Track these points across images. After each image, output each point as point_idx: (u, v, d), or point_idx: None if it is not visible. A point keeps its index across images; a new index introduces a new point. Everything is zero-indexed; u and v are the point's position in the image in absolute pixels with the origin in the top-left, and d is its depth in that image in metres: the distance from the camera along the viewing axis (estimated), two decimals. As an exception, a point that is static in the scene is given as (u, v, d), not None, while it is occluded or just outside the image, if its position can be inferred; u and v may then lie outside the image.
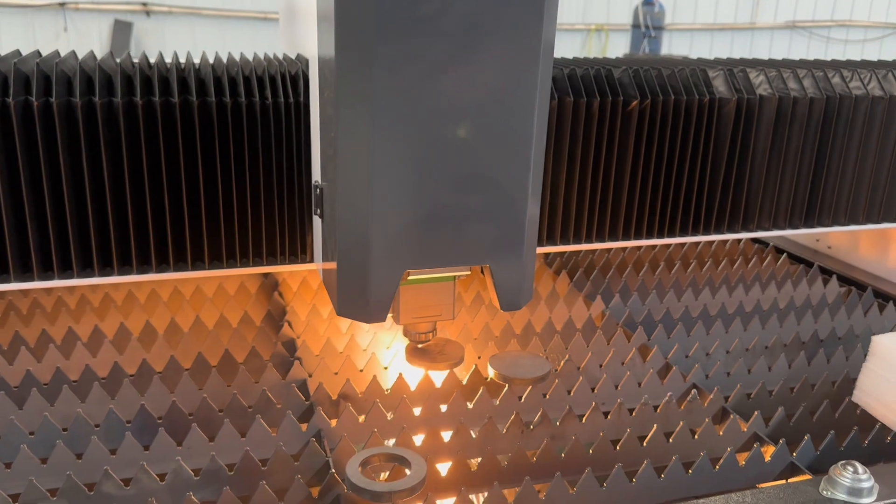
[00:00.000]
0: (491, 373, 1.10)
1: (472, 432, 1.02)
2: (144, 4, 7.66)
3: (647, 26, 7.77)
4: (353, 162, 0.86)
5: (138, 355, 1.17)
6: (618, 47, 8.65)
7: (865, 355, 1.11)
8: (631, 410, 1.08)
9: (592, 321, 1.34)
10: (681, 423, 1.03)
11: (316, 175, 1.06)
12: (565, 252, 1.65)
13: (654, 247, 1.71)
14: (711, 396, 1.11)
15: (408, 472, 0.87)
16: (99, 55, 1.14)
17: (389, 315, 0.94)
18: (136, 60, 1.13)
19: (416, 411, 1.06)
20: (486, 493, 0.90)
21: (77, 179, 1.05)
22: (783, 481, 1.00)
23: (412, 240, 0.88)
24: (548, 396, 1.11)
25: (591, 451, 0.99)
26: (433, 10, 0.81)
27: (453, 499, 0.92)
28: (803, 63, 1.41)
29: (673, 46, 8.55)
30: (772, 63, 1.38)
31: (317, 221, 1.11)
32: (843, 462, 0.88)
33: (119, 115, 1.04)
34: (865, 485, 0.85)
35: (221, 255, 1.14)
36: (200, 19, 7.82)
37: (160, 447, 0.96)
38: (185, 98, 1.06)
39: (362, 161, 0.84)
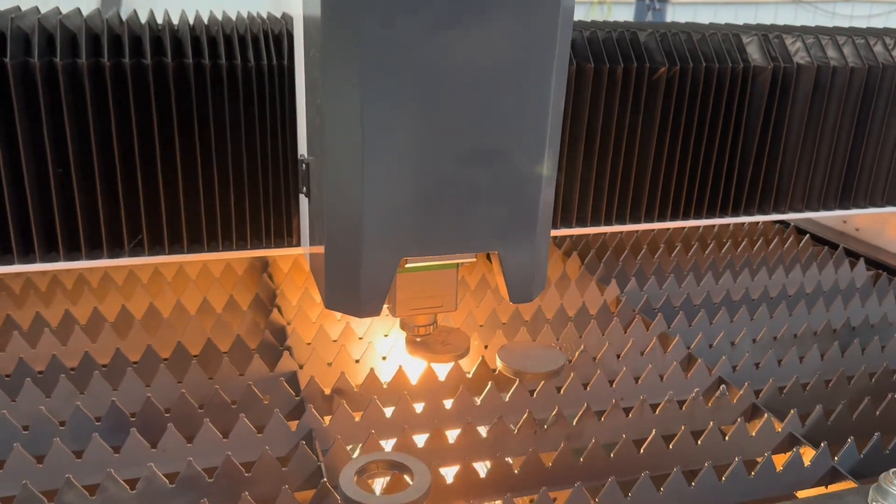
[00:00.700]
0: (500, 366, 1.00)
1: (480, 431, 0.92)
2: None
3: (651, -1, 7.61)
4: (341, 132, 0.74)
5: (112, 343, 1.07)
6: (620, 20, 8.46)
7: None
8: (654, 407, 0.98)
9: (607, 307, 1.24)
10: (710, 423, 0.93)
11: (302, 148, 0.95)
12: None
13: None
14: (741, 392, 1.01)
15: (409, 481, 0.77)
16: (86, 11, 1.02)
17: (385, 306, 0.84)
18: (107, 17, 1.02)
19: (418, 408, 0.96)
20: (497, 505, 0.80)
21: (38, 154, 0.94)
22: (823, 488, 0.91)
23: (410, 223, 0.77)
24: (562, 392, 1.01)
25: (612, 455, 0.89)
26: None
27: (460, 510, 0.82)
28: (842, 30, 1.30)
29: (676, 20, 8.37)
30: (809, 29, 1.27)
31: (303, 201, 1.00)
32: (894, 470, 0.78)
33: (84, 78, 0.92)
34: (924, 498, 0.76)
35: (202, 237, 1.03)
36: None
37: (132, 449, 0.86)
38: (158, 60, 0.95)
39: (352, 131, 0.73)
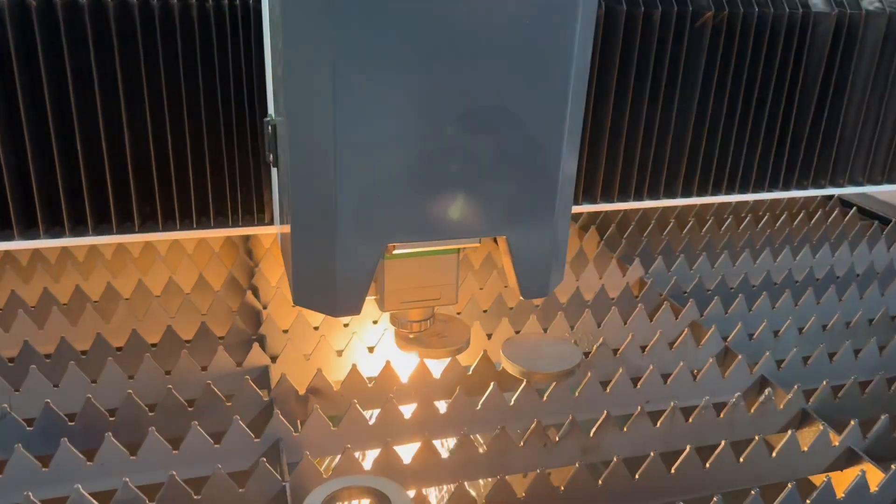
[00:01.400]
0: (504, 363, 0.85)
1: (478, 444, 0.77)
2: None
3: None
4: (305, 83, 0.59)
5: (58, 331, 0.93)
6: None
7: None
8: (686, 412, 0.83)
9: (630, 290, 1.08)
10: (755, 437, 0.78)
11: (272, 108, 0.79)
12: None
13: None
14: (790, 396, 0.86)
15: (387, 512, 0.63)
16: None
17: (372, 298, 0.69)
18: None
19: (407, 412, 0.81)
20: (496, 541, 0.65)
21: None
22: (892, 516, 0.76)
23: (397, 202, 0.62)
24: (577, 394, 0.85)
25: (637, 477, 0.74)
26: None
27: (451, 545, 0.68)
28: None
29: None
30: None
31: (275, 172, 0.85)
32: None
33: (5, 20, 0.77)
34: None
35: (156, 214, 0.88)
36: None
37: (62, 463, 0.72)
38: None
39: (319, 82, 0.57)
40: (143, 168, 0.88)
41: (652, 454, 0.74)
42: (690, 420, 0.82)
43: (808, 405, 0.87)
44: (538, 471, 0.71)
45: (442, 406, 0.82)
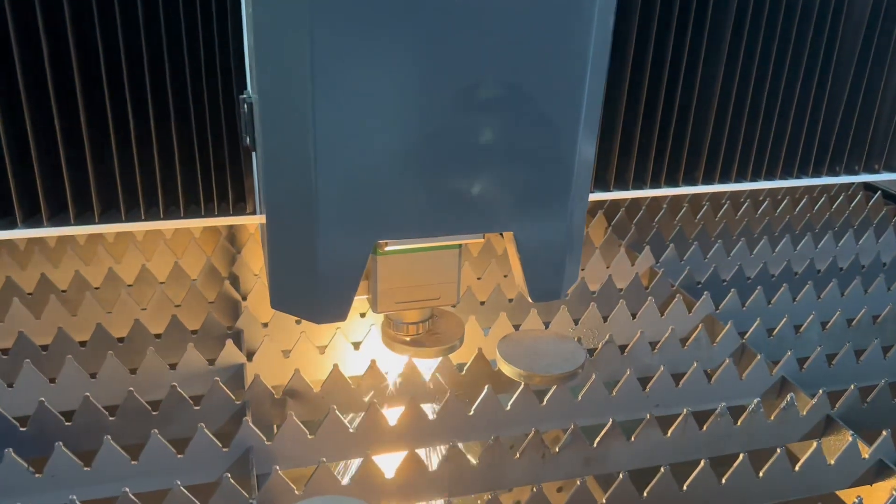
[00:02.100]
0: (500, 364, 0.77)
1: (469, 455, 0.70)
2: None
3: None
4: (279, 51, 0.50)
5: (17, 324, 0.85)
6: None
7: None
8: (700, 421, 0.75)
9: (639, 281, 1.00)
10: (776, 449, 0.70)
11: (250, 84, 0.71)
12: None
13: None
14: (814, 402, 0.78)
15: (363, 539, 0.55)
16: None
17: (364, 298, 0.61)
18: None
19: (393, 417, 0.74)
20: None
21: None
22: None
23: (387, 193, 0.53)
24: (580, 398, 0.78)
25: (645, 494, 0.66)
26: None
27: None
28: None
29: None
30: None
31: (254, 156, 0.77)
32: None
33: None
34: None
35: (116, 200, 0.80)
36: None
37: (10, 473, 0.65)
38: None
39: (295, 50, 0.49)
40: (98, 144, 0.80)
41: (662, 470, 0.66)
42: (705, 428, 0.75)
43: (833, 411, 0.79)
44: (534, 489, 0.64)
45: (431, 410, 0.75)
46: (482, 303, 0.95)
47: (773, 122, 0.90)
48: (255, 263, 1.01)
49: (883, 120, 0.93)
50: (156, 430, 0.67)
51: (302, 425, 0.70)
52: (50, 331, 0.83)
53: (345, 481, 0.66)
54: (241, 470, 0.69)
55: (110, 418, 0.72)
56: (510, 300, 0.96)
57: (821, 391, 0.78)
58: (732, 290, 0.97)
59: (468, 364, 0.82)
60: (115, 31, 0.76)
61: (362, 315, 0.92)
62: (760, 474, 0.70)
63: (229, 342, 0.81)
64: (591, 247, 1.08)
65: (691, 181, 0.90)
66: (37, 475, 0.65)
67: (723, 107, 0.88)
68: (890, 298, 1.02)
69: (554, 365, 0.76)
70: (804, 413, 0.78)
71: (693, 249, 1.08)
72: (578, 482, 0.64)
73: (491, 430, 0.74)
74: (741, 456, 0.69)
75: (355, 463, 0.72)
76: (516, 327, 0.90)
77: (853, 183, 1.40)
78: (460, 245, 0.62)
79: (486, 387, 0.75)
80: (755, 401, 0.76)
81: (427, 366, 0.81)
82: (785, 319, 0.92)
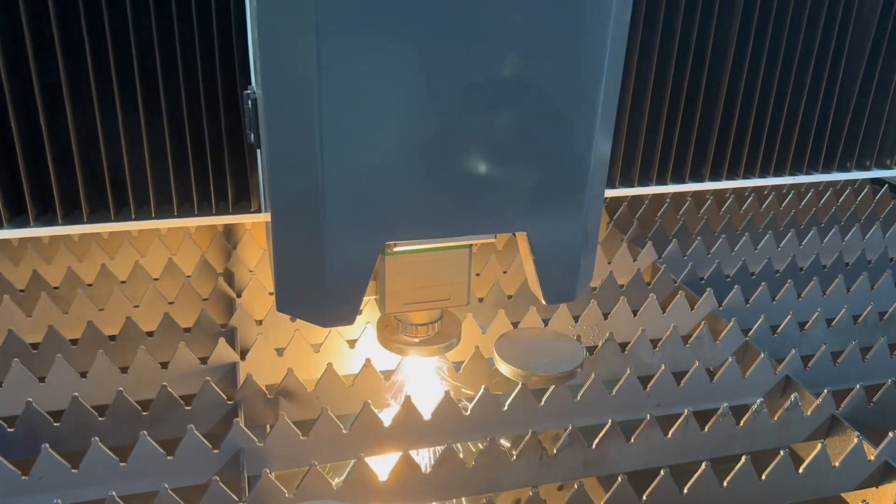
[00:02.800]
0: (497, 363, 0.76)
1: (466, 456, 0.68)
2: None
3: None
4: (285, 46, 0.48)
5: (8, 322, 0.84)
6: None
7: None
8: (702, 421, 0.74)
9: (641, 277, 0.98)
10: (780, 451, 0.68)
11: (254, 80, 0.69)
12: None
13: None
14: (818, 402, 0.76)
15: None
16: None
17: (371, 299, 0.60)
18: None
19: (387, 418, 0.72)
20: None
21: None
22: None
23: (396, 193, 0.51)
24: (579, 398, 0.76)
25: (645, 498, 0.65)
26: None
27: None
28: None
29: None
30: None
31: (259, 154, 0.76)
32: None
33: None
34: None
35: (126, 198, 0.78)
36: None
37: (-5, 477, 0.64)
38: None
39: (301, 45, 0.47)
40: (100, 144, 0.78)
41: (662, 472, 0.65)
42: (706, 429, 0.73)
43: (838, 411, 0.77)
44: (531, 491, 0.62)
45: (426, 411, 0.73)
46: (480, 300, 0.93)
47: (781, 118, 0.88)
48: (250, 260, 1.00)
49: (895, 114, 0.91)
50: (145, 432, 0.65)
51: (294, 426, 0.69)
52: (41, 328, 0.82)
53: (338, 482, 0.64)
54: (232, 472, 0.68)
55: (99, 419, 0.71)
56: (509, 297, 0.94)
57: (826, 391, 0.77)
58: (736, 286, 0.95)
59: (465, 362, 0.80)
60: (103, 29, 0.74)
61: (359, 311, 0.91)
62: (763, 476, 0.68)
63: (222, 340, 0.80)
64: (592, 242, 1.06)
65: (698, 178, 0.88)
66: (23, 477, 0.64)
67: (730, 103, 0.86)
68: (897, 294, 1.00)
69: (552, 364, 0.74)
70: (808, 413, 0.76)
71: (696, 244, 1.06)
72: (576, 485, 0.63)
73: (488, 431, 0.73)
74: (743, 458, 0.67)
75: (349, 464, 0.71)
76: (515, 325, 0.88)
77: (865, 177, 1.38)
78: (471, 245, 0.60)
79: (483, 386, 0.74)
80: (758, 401, 0.74)
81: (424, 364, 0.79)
82: (790, 317, 0.90)
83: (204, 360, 0.80)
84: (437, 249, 0.59)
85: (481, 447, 0.69)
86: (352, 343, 0.85)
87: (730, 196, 1.22)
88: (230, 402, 0.74)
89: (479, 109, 0.50)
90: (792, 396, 0.75)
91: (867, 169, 0.93)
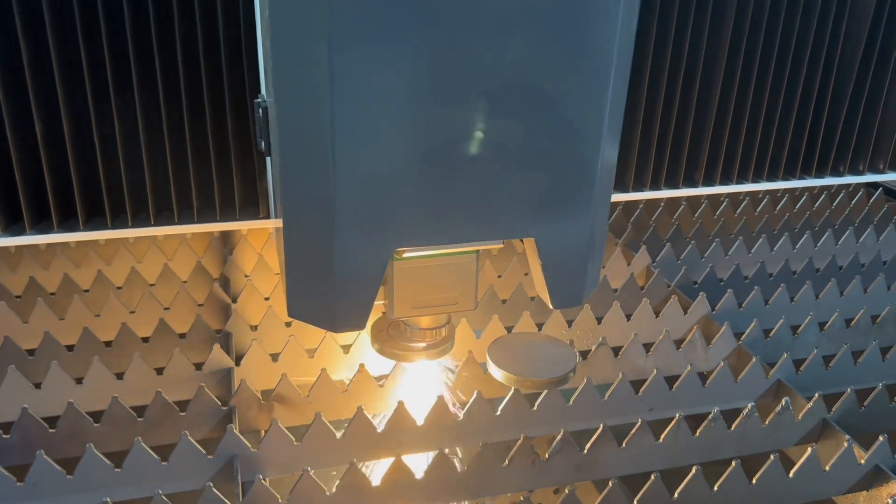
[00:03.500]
0: (490, 368, 0.76)
1: (456, 461, 0.69)
2: None
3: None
4: (298, 56, 0.48)
5: (4, 328, 0.85)
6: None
7: None
8: (693, 425, 0.74)
9: (634, 281, 0.99)
10: (770, 455, 0.69)
11: (263, 88, 0.70)
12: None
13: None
14: (809, 406, 0.77)
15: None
16: None
17: (379, 303, 0.60)
18: None
19: (380, 424, 0.73)
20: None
21: None
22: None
23: (406, 200, 0.51)
24: (571, 403, 0.77)
25: (635, 502, 0.65)
26: None
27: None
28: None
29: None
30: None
31: (269, 162, 0.77)
32: None
33: None
34: None
35: (123, 207, 0.79)
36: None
37: (-10, 484, 0.64)
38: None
39: (314, 55, 0.47)
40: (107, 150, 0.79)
41: (653, 476, 0.65)
42: (698, 433, 0.73)
43: (829, 415, 0.78)
44: (523, 496, 0.63)
45: (419, 416, 0.74)
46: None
47: (774, 123, 0.88)
48: (246, 265, 1.00)
49: (888, 118, 0.92)
50: (139, 438, 0.66)
51: (287, 432, 0.69)
52: (38, 335, 0.82)
53: (333, 487, 0.64)
54: (226, 477, 0.68)
55: (94, 425, 0.72)
56: (503, 301, 0.95)
57: (817, 394, 0.77)
58: (729, 290, 0.95)
59: (459, 367, 0.80)
60: (100, 34, 0.75)
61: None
62: (754, 480, 0.68)
63: (216, 346, 0.80)
64: (586, 246, 1.06)
65: (691, 183, 0.89)
66: (18, 483, 0.64)
67: (723, 107, 0.86)
68: (890, 298, 1.01)
69: (545, 369, 0.74)
70: (799, 417, 0.77)
71: (690, 248, 1.06)
72: (567, 490, 0.63)
73: (481, 436, 0.73)
74: (734, 462, 0.68)
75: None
76: (509, 330, 0.89)
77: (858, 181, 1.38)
78: (478, 251, 0.61)
79: (476, 391, 0.74)
80: (749, 405, 0.74)
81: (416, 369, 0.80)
82: (782, 320, 0.90)
83: (199, 366, 0.80)
84: (445, 255, 0.60)
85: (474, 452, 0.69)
86: (346, 348, 0.85)
87: (724, 200, 1.23)
88: (224, 408, 0.75)
89: (489, 117, 0.51)
90: (783, 400, 0.76)
91: (860, 173, 0.93)
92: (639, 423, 0.72)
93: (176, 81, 0.78)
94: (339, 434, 0.70)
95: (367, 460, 0.71)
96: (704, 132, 0.88)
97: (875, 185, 1.36)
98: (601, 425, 0.71)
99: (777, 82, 0.86)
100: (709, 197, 1.25)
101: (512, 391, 0.75)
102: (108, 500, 0.60)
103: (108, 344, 0.83)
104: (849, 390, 0.78)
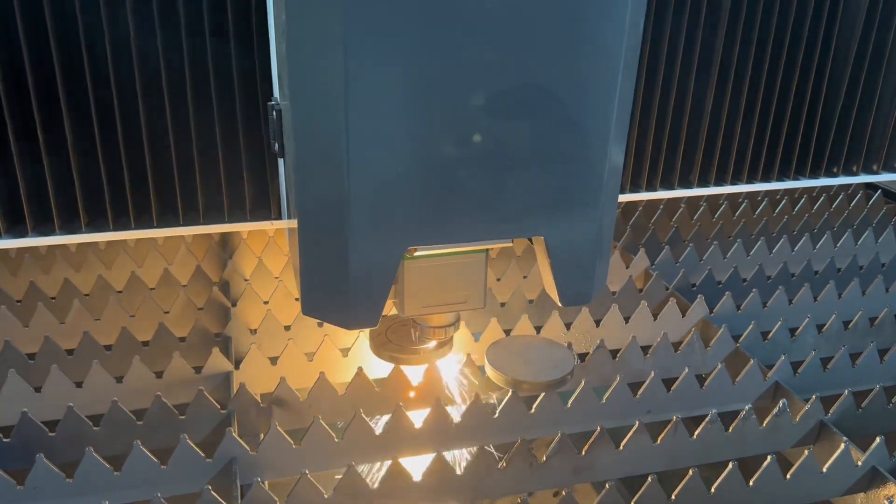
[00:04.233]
0: (488, 370, 0.77)
1: (455, 465, 0.69)
2: None
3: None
4: (314, 61, 0.49)
5: (4, 332, 0.85)
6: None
7: None
8: (690, 427, 0.74)
9: (633, 284, 0.99)
10: (768, 456, 0.69)
11: (276, 91, 0.71)
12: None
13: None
14: (807, 408, 0.77)
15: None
16: None
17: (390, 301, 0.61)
18: None
19: (378, 426, 0.73)
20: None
21: None
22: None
23: (419, 199, 0.52)
24: (569, 405, 0.77)
25: (633, 504, 0.65)
26: None
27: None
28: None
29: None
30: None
31: (281, 163, 0.78)
32: None
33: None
34: None
35: (126, 208, 0.80)
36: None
37: (-10, 487, 0.64)
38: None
39: (329, 59, 0.48)
40: (109, 147, 0.80)
41: (650, 479, 0.65)
42: (695, 435, 0.74)
43: (826, 417, 0.78)
44: (521, 499, 0.63)
45: (418, 418, 0.74)
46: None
47: (768, 124, 0.89)
48: (246, 269, 1.01)
49: (881, 119, 0.92)
50: (139, 441, 0.66)
51: (286, 435, 0.69)
52: (38, 339, 0.83)
53: (330, 490, 0.65)
54: (225, 480, 0.68)
55: (94, 428, 0.72)
56: (502, 304, 0.95)
57: (814, 396, 0.77)
58: (727, 292, 0.96)
59: (456, 371, 0.81)
60: (102, 36, 0.75)
61: (352, 321, 0.91)
62: (751, 482, 0.69)
63: (216, 350, 0.81)
64: (584, 249, 1.06)
65: (687, 184, 0.89)
66: (18, 487, 0.65)
67: (717, 109, 0.87)
68: (888, 300, 1.01)
69: (542, 371, 0.75)
70: (797, 419, 0.77)
71: (689, 251, 1.06)
72: (564, 492, 0.64)
73: (478, 439, 0.73)
74: (730, 464, 0.68)
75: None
76: (507, 332, 0.89)
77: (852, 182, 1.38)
78: (487, 249, 0.62)
79: (474, 393, 0.74)
80: (746, 407, 0.75)
81: (415, 373, 0.80)
82: (780, 323, 0.91)
83: (198, 370, 0.81)
84: (455, 254, 0.60)
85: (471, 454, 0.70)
86: (345, 352, 0.85)
87: (723, 202, 1.23)
88: (223, 412, 0.75)
89: (501, 119, 0.51)
90: (780, 402, 0.76)
91: (854, 174, 0.94)
92: (636, 426, 0.72)
93: (182, 85, 0.79)
94: (337, 437, 0.71)
95: (365, 463, 0.71)
96: (699, 134, 0.89)
97: (874, 187, 1.36)
98: (599, 427, 0.71)
99: (771, 84, 0.87)
100: (707, 200, 1.26)
101: (510, 393, 0.75)
102: (108, 503, 0.61)
103: (108, 348, 0.83)
104: (846, 392, 0.79)
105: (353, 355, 0.85)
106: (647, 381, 0.79)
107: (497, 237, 0.56)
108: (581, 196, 0.55)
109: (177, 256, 1.02)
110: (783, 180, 0.92)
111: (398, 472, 0.67)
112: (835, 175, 0.93)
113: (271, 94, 0.81)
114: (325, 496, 0.64)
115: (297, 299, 0.94)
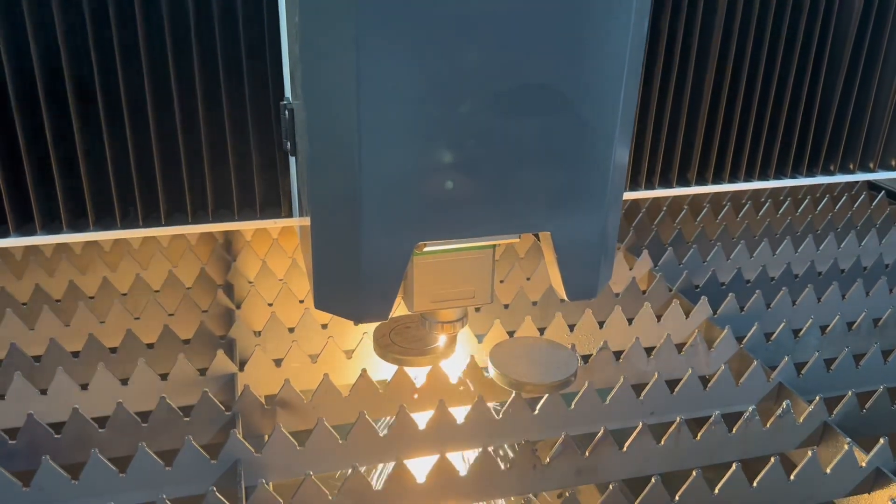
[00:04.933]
0: (491, 372, 0.77)
1: (458, 467, 0.69)
2: None
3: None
4: (326, 60, 0.49)
5: (10, 335, 0.85)
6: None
7: None
8: (694, 428, 0.74)
9: (636, 286, 0.99)
10: (771, 458, 0.69)
11: (288, 91, 0.71)
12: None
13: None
14: (811, 409, 0.77)
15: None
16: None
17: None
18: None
19: (382, 428, 0.73)
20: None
21: None
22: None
23: (429, 195, 0.53)
24: (573, 407, 0.77)
25: (636, 505, 0.65)
26: None
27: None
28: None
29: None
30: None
31: (293, 161, 0.79)
32: None
33: None
34: None
35: (133, 206, 0.80)
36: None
37: (-4, 489, 0.65)
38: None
39: (340, 56, 0.48)
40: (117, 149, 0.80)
41: (653, 480, 0.65)
42: (699, 437, 0.74)
43: (830, 418, 0.78)
44: (525, 500, 0.63)
45: (421, 420, 0.74)
46: (476, 309, 0.94)
47: (765, 122, 0.89)
48: (249, 271, 1.01)
49: (877, 117, 0.92)
50: (144, 443, 0.66)
51: (290, 437, 0.70)
52: (43, 341, 0.83)
53: (333, 491, 0.65)
54: (229, 482, 0.69)
55: (99, 430, 0.72)
56: (505, 306, 0.95)
57: (818, 398, 0.77)
58: (731, 294, 0.96)
59: (459, 373, 0.81)
60: (111, 38, 0.76)
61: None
62: (755, 483, 0.69)
63: (220, 352, 0.81)
64: (588, 251, 1.06)
65: (684, 183, 0.89)
66: (24, 488, 0.65)
67: (714, 107, 0.87)
68: (891, 301, 1.01)
69: (546, 373, 0.75)
70: (800, 420, 0.77)
71: (692, 252, 1.06)
72: (567, 493, 0.64)
73: (482, 440, 0.73)
74: (734, 465, 0.68)
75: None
76: (511, 334, 0.89)
77: (856, 182, 1.38)
78: (495, 245, 0.62)
79: (477, 396, 0.74)
80: (750, 408, 0.75)
81: (419, 374, 0.80)
82: (783, 324, 0.91)
83: (203, 372, 0.81)
84: (463, 249, 0.61)
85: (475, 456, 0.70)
86: (348, 353, 0.86)
87: (726, 204, 1.23)
88: (228, 413, 0.75)
89: (509, 116, 0.52)
90: (784, 404, 0.76)
91: (851, 172, 0.94)
92: (640, 427, 0.72)
93: (191, 82, 0.79)
94: (341, 439, 0.71)
95: (369, 465, 0.71)
96: (696, 132, 0.89)
97: (877, 188, 1.36)
98: (602, 429, 0.71)
99: (767, 82, 0.87)
100: (711, 201, 1.26)
101: (513, 395, 0.75)
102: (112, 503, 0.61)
103: (113, 350, 0.84)
104: (850, 393, 0.79)
105: (357, 357, 0.85)
106: (651, 383, 0.79)
107: (505, 232, 0.56)
108: (587, 192, 0.56)
109: (181, 259, 1.02)
110: (780, 178, 0.92)
111: (402, 474, 0.67)
112: (832, 173, 0.93)
113: (282, 94, 0.81)
114: (330, 498, 0.65)
115: (301, 301, 0.94)
